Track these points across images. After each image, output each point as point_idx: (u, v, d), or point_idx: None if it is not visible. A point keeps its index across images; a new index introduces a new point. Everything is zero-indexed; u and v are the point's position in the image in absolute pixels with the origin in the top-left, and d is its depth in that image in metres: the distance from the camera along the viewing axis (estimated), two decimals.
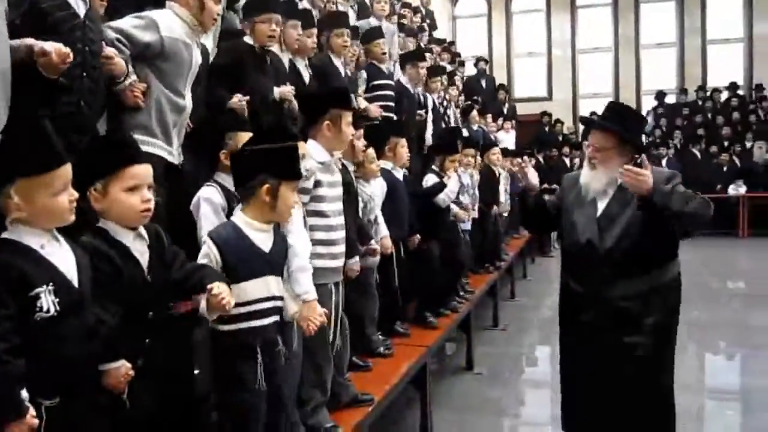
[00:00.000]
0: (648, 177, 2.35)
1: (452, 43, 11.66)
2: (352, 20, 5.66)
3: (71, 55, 1.93)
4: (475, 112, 7.78)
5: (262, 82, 3.34)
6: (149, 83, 2.50)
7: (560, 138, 12.79)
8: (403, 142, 4.04)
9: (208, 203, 2.43)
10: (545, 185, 8.26)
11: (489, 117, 8.86)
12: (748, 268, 9.28)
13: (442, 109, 6.72)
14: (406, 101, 5.28)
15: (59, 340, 1.51)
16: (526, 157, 8.30)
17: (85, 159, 1.77)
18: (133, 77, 2.42)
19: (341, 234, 2.63)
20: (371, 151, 3.40)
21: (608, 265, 2.52)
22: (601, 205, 2.59)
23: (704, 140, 12.36)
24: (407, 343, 3.66)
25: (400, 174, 3.97)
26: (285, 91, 3.43)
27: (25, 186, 1.50)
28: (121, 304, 1.71)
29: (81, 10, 2.18)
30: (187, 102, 2.65)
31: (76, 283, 1.57)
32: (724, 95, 13.09)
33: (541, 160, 11.31)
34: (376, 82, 4.96)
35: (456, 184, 4.51)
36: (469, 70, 11.91)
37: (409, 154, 4.14)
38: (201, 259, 1.99)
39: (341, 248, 2.64)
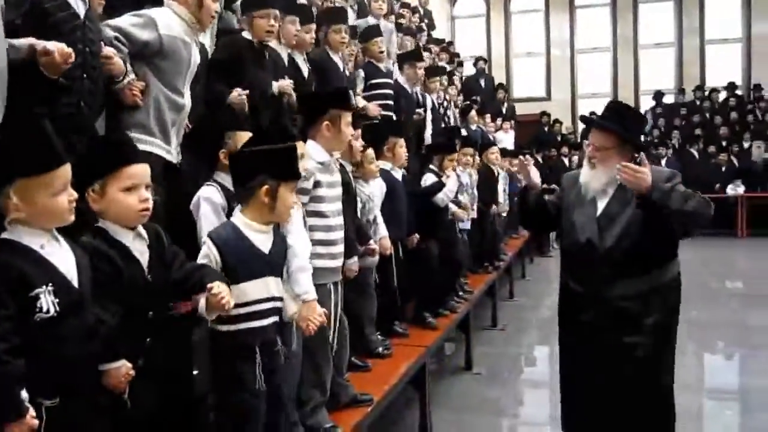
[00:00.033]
0: (646, 174, 2.34)
1: (451, 43, 11.68)
2: (351, 20, 5.66)
3: (73, 55, 1.93)
4: (473, 112, 7.79)
5: (261, 77, 3.33)
6: (148, 82, 2.49)
7: (559, 138, 12.81)
8: (402, 142, 4.03)
9: (208, 203, 2.43)
10: (545, 185, 8.25)
11: (488, 117, 8.86)
12: (747, 267, 9.30)
13: (442, 110, 6.72)
14: (404, 101, 5.28)
15: (59, 341, 1.51)
16: (528, 156, 8.29)
17: (83, 160, 1.77)
18: (132, 76, 2.42)
19: (340, 234, 2.63)
20: (370, 151, 3.39)
21: (608, 264, 2.51)
22: (601, 205, 2.58)
23: (702, 140, 12.37)
24: (406, 344, 3.66)
25: (398, 174, 3.97)
26: (284, 84, 3.43)
27: (24, 186, 1.50)
28: (121, 304, 1.71)
29: (81, 10, 2.17)
30: (186, 100, 2.64)
31: (76, 284, 1.57)
32: (722, 95, 13.10)
33: (539, 160, 11.31)
34: (374, 81, 4.95)
35: (455, 184, 4.51)
36: (468, 70, 11.92)
37: (407, 154, 4.13)
38: (201, 260, 1.98)
39: (340, 248, 2.64)
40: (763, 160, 11.58)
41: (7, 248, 1.49)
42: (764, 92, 12.75)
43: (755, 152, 11.69)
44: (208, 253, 1.98)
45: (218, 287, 1.79)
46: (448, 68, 8.16)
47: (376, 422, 2.93)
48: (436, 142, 5.24)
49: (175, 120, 2.59)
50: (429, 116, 5.97)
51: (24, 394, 1.41)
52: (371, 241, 3.28)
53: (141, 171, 1.80)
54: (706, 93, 13.19)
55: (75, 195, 1.58)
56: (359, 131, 3.25)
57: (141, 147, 2.26)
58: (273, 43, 3.57)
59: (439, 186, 4.41)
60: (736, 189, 11.32)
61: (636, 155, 2.51)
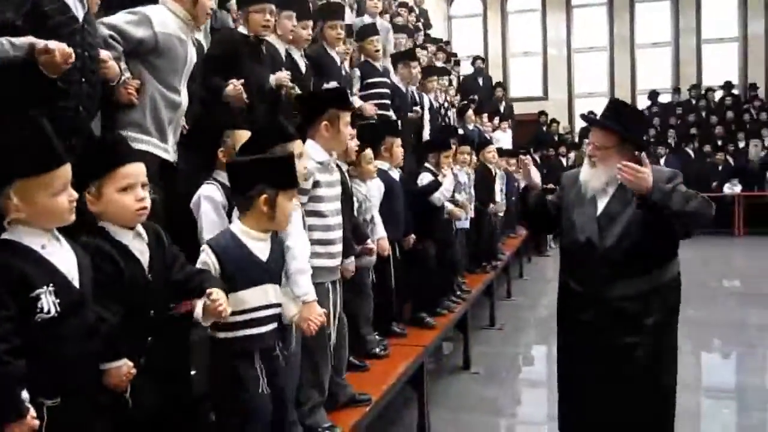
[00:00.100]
0: (647, 174, 2.32)
1: (447, 42, 11.68)
2: (349, 18, 5.64)
3: (73, 55, 1.93)
4: (470, 111, 7.78)
5: (258, 71, 3.31)
6: (143, 80, 2.47)
7: (556, 138, 12.82)
8: (399, 141, 4.02)
9: (208, 201, 2.42)
10: (544, 185, 8.25)
11: (485, 116, 8.86)
12: (744, 266, 9.32)
13: (443, 110, 6.71)
14: (398, 100, 5.27)
15: (60, 341, 1.51)
16: (529, 155, 8.30)
17: (78, 162, 1.76)
18: (127, 74, 2.41)
19: (339, 233, 2.63)
20: (369, 151, 3.38)
21: (608, 264, 2.50)
22: (601, 204, 2.57)
23: (697, 139, 12.40)
24: (404, 343, 3.66)
25: (396, 174, 3.96)
26: (282, 77, 3.39)
27: (24, 186, 1.49)
28: (122, 304, 1.71)
29: (80, 14, 2.16)
30: (183, 98, 2.63)
31: (76, 284, 1.57)
32: (718, 94, 13.13)
33: (537, 159, 11.33)
34: (370, 80, 4.93)
35: (451, 183, 4.50)
36: (466, 69, 11.94)
37: (403, 154, 4.12)
38: (199, 267, 1.98)
39: (339, 247, 2.63)
40: (759, 159, 11.61)
41: (8, 249, 1.49)
42: (759, 91, 12.78)
43: (752, 151, 11.71)
44: (207, 261, 1.97)
45: (217, 294, 1.80)
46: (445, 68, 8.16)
47: (375, 422, 2.93)
48: (430, 140, 5.23)
49: (172, 118, 2.58)
50: (427, 116, 5.96)
51: (25, 394, 1.41)
52: (368, 241, 3.27)
53: (136, 170, 1.80)
54: (702, 92, 13.22)
55: (75, 195, 1.58)
56: (354, 131, 3.24)
57: (137, 146, 2.26)
58: (271, 38, 3.55)
59: (435, 185, 4.40)
60: (732, 188, 11.35)
61: (637, 153, 2.50)
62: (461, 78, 11.10)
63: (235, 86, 3.03)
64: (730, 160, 11.83)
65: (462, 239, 5.29)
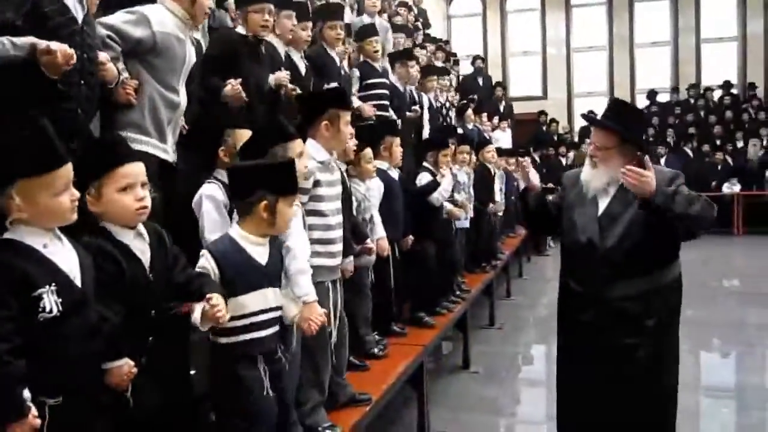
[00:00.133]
0: (651, 179, 2.30)
1: (447, 42, 11.69)
2: (348, 18, 5.64)
3: (74, 56, 1.93)
4: (470, 111, 7.78)
5: (257, 71, 3.31)
6: (141, 80, 2.47)
7: (555, 137, 12.82)
8: (398, 141, 4.02)
9: (210, 200, 2.42)
10: (543, 185, 8.25)
11: (485, 116, 8.86)
12: (744, 265, 9.31)
13: (444, 110, 6.71)
14: (397, 100, 5.27)
15: (62, 340, 1.51)
16: (527, 158, 8.30)
17: (78, 163, 1.76)
18: (125, 74, 2.40)
19: (339, 233, 2.63)
20: (368, 150, 3.38)
21: (609, 264, 2.48)
22: (603, 204, 2.55)
23: (696, 139, 12.40)
24: (404, 343, 3.66)
25: (395, 174, 3.96)
26: (281, 76, 3.39)
27: (26, 186, 1.50)
28: (123, 303, 1.71)
29: (79, 15, 2.16)
30: (182, 98, 2.62)
31: (78, 283, 1.57)
32: (717, 94, 13.13)
33: (537, 159, 11.34)
34: (369, 81, 4.93)
35: (450, 183, 4.50)
36: (466, 69, 11.93)
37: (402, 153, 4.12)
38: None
39: (339, 247, 2.64)
40: (758, 159, 11.61)
41: (10, 248, 1.49)
42: (758, 91, 12.79)
43: (751, 150, 11.71)
44: (207, 266, 1.97)
45: (217, 299, 1.80)
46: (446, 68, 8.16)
47: (375, 421, 2.93)
48: (429, 139, 5.23)
49: (170, 118, 2.57)
50: (426, 115, 5.96)
51: (26, 393, 1.41)
52: (368, 240, 3.27)
53: (135, 170, 1.80)
54: (701, 92, 13.22)
55: (77, 194, 1.58)
56: (353, 130, 3.24)
57: (136, 147, 2.26)
58: (270, 38, 3.55)
59: (434, 185, 4.40)
60: (732, 187, 11.36)
61: (639, 154, 2.48)
62: (461, 77, 11.10)
63: (233, 86, 3.03)
64: (729, 159, 11.83)
65: (461, 239, 5.29)
